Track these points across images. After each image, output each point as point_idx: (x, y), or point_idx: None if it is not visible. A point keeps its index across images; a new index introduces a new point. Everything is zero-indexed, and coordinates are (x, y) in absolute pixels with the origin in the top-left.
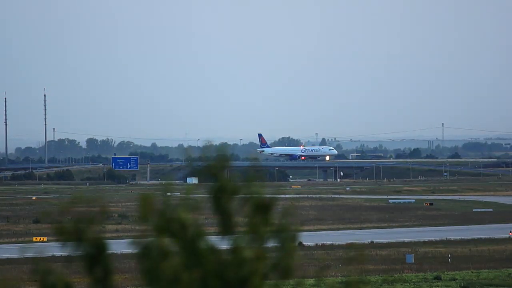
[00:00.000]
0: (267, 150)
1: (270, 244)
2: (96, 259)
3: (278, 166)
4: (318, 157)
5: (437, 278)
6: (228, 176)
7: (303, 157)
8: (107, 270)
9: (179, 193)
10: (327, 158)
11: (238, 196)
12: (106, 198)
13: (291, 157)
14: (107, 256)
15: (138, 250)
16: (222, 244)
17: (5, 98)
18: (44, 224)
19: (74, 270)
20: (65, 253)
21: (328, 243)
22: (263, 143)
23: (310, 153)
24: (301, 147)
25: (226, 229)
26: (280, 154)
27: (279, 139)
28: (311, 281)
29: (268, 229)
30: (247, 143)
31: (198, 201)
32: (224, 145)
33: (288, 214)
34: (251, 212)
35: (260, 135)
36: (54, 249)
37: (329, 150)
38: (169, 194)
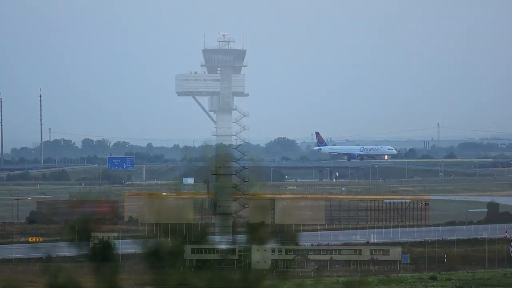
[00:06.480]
0: (325, 149)
1: (270, 244)
2: (104, 258)
3: (273, 167)
4: (377, 156)
5: (433, 278)
6: (226, 176)
7: (361, 156)
8: (114, 269)
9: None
10: (386, 157)
11: (237, 196)
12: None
13: (350, 156)
14: (114, 256)
15: (146, 250)
16: (222, 244)
17: (1, 99)
18: (40, 225)
19: (79, 269)
20: (65, 253)
21: (324, 243)
22: (320, 141)
23: (369, 152)
24: (357, 146)
25: (225, 229)
26: (338, 152)
27: (274, 139)
28: (309, 281)
29: (268, 230)
30: (243, 144)
31: (202, 201)
32: (222, 146)
33: (287, 214)
34: (251, 212)
35: (317, 134)
36: (53, 249)
37: (388, 149)
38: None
